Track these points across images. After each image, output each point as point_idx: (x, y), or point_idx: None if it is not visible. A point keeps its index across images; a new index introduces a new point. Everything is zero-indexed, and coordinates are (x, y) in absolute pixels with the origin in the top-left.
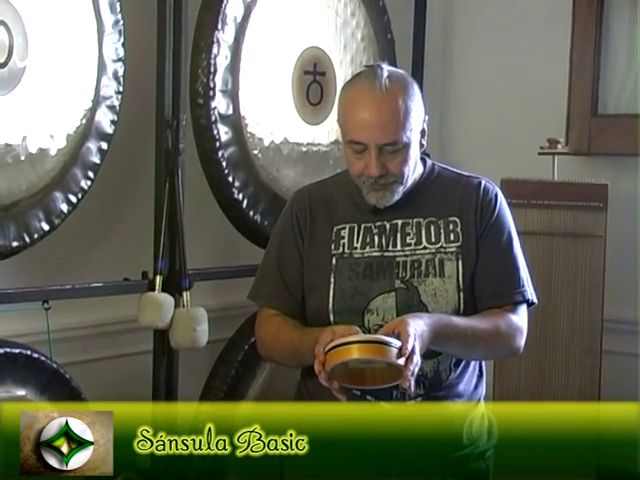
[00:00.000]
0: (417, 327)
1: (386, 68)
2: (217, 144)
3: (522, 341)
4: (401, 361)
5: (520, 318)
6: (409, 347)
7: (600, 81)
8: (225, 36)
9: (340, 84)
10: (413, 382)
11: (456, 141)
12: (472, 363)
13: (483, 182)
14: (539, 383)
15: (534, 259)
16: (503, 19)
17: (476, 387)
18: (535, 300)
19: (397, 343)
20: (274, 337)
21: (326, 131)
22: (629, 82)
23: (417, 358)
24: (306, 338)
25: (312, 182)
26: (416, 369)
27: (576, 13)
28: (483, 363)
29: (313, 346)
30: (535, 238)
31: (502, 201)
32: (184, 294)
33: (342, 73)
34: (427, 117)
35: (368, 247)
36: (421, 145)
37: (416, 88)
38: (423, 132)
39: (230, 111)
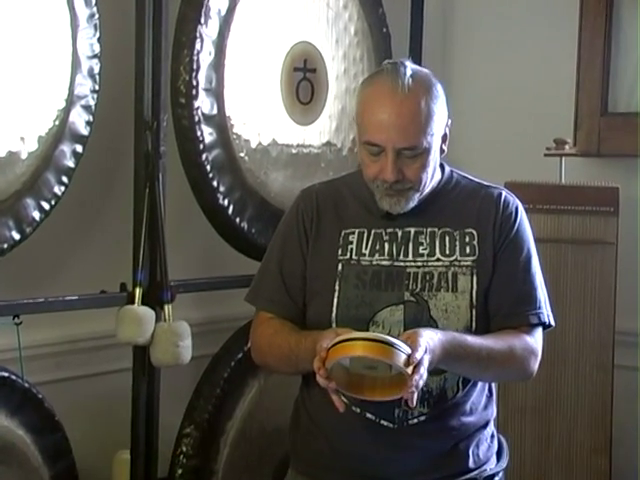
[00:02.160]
0: (430, 341)
1: (410, 66)
2: (201, 146)
3: (536, 365)
4: (408, 369)
5: (535, 341)
6: (418, 356)
7: (610, 77)
8: (209, 31)
9: (332, 81)
10: (416, 396)
11: (456, 142)
12: (480, 382)
13: (504, 194)
14: (547, 400)
15: (541, 268)
16: (507, 12)
17: (485, 407)
18: (552, 322)
19: (406, 349)
20: (270, 340)
21: (317, 132)
22: None
23: (424, 370)
24: (304, 341)
25: (321, 181)
26: (421, 382)
27: (584, 5)
28: (493, 383)
29: (311, 349)
30: (541, 245)
31: (523, 215)
32: (166, 307)
33: (334, 69)
34: (450, 121)
35: (377, 255)
36: (442, 151)
37: (440, 89)
38: (445, 137)
39: (214, 111)
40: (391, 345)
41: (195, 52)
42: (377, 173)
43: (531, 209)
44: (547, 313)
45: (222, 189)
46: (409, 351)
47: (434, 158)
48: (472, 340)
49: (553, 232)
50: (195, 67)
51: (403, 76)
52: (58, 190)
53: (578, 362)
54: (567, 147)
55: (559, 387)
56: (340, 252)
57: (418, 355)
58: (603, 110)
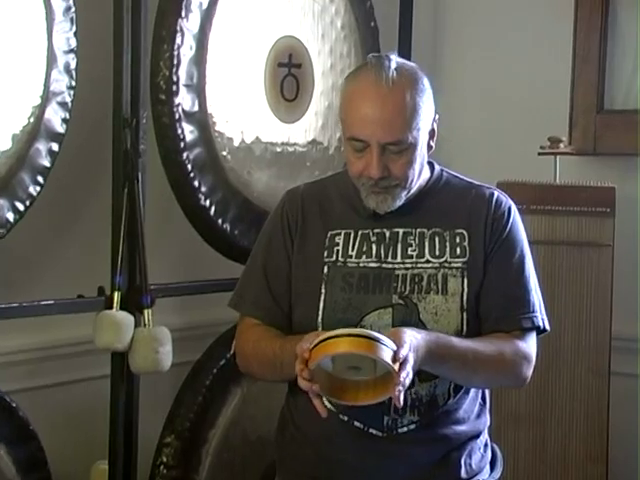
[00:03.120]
0: (413, 339)
1: (395, 59)
2: (181, 144)
3: (529, 371)
4: (395, 366)
5: (528, 345)
6: (404, 352)
7: (607, 73)
8: (189, 24)
9: (318, 77)
10: (402, 396)
11: (447, 140)
12: (472, 389)
13: (496, 193)
14: (541, 407)
15: (535, 271)
16: (500, 5)
17: (478, 415)
18: (547, 327)
19: (392, 345)
20: (254, 346)
21: (303, 130)
22: (639, 74)
23: (410, 368)
24: (288, 345)
25: (306, 182)
26: (407, 380)
27: None
28: (486, 391)
29: (295, 353)
30: (535, 248)
31: (515, 215)
32: (145, 312)
33: (320, 65)
34: (438, 116)
35: (364, 256)
36: (429, 147)
37: (426, 83)
38: (432, 132)
39: (196, 108)
40: (376, 340)
41: (175, 47)
42: (362, 170)
43: (525, 210)
44: (542, 317)
45: (204, 189)
46: (395, 347)
47: (421, 154)
48: (458, 342)
49: (547, 234)
50: (175, 62)
51: (387, 69)
52: (33, 190)
53: (574, 368)
54: (562, 145)
55: (554, 394)
56: (326, 254)
57: (404, 351)
58: (599, 107)
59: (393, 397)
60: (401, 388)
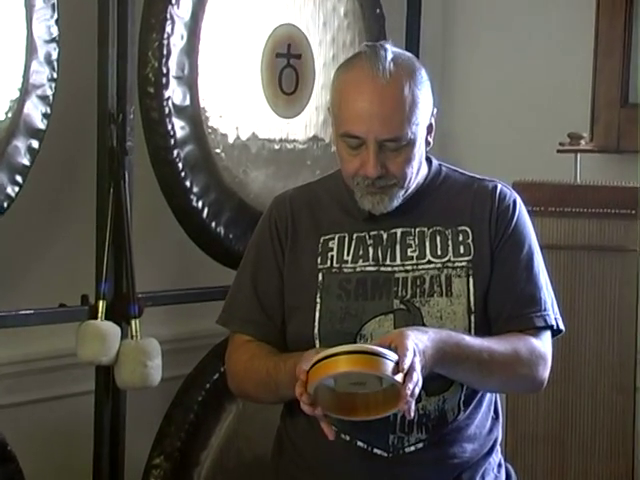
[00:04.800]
0: (418, 342)
1: (390, 49)
2: (171, 141)
3: (546, 372)
4: (398, 377)
5: (543, 344)
6: (406, 362)
7: (631, 64)
8: (180, 12)
9: (319, 69)
10: (413, 406)
11: (458, 137)
12: (485, 402)
13: (499, 186)
14: (560, 426)
15: (553, 278)
16: None
17: (490, 430)
18: (562, 327)
19: (393, 357)
20: (246, 366)
21: (303, 125)
22: None
23: (417, 376)
24: (283, 365)
25: (296, 186)
26: (416, 390)
27: None
28: (499, 402)
29: (292, 373)
30: (554, 253)
31: (521, 209)
32: (133, 322)
33: (321, 56)
34: (436, 110)
35: (361, 261)
36: (427, 143)
37: (424, 75)
38: (430, 127)
39: (187, 102)
40: (377, 355)
41: (165, 35)
42: (357, 168)
43: (542, 212)
44: (554, 316)
45: (196, 189)
46: (396, 357)
47: (419, 151)
48: (471, 340)
49: (567, 238)
50: (165, 52)
51: (384, 60)
52: (11, 191)
53: (595, 384)
54: (583, 142)
55: (574, 411)
56: (319, 261)
57: (407, 360)
58: (623, 101)
59: (404, 410)
60: (410, 399)
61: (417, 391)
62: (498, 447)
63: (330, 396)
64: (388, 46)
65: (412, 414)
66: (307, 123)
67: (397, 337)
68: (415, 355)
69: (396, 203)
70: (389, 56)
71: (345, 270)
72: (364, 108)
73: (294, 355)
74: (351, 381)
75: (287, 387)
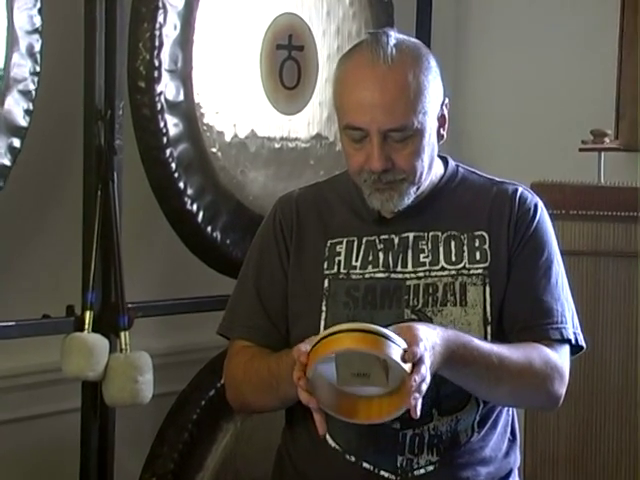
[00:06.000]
0: (428, 336)
1: (394, 35)
2: (164, 140)
3: (562, 388)
4: (406, 366)
5: (560, 358)
6: (417, 351)
7: None
8: (173, 0)
9: (322, 62)
10: (420, 403)
11: (472, 134)
12: (501, 423)
13: (520, 189)
14: (583, 449)
15: (575, 287)
16: None
17: (507, 453)
18: (582, 343)
19: (402, 343)
20: (246, 367)
21: (305, 122)
22: None
23: (426, 369)
24: (286, 359)
25: (302, 186)
26: (424, 386)
27: None
28: (516, 423)
29: (293, 364)
30: (576, 259)
31: (543, 214)
32: (122, 335)
33: (325, 47)
34: (448, 100)
35: (370, 266)
36: (440, 136)
37: (432, 62)
38: (443, 119)
39: (181, 97)
40: (383, 336)
41: (157, 26)
42: (362, 163)
43: (563, 215)
44: (573, 330)
45: (190, 191)
46: (405, 345)
47: (429, 143)
48: (480, 343)
49: (590, 243)
50: (157, 44)
51: (385, 45)
52: None
53: (621, 404)
54: (607, 140)
55: (598, 433)
56: (326, 265)
57: (418, 350)
58: None
59: (410, 407)
60: (417, 395)
61: (424, 387)
62: (516, 471)
63: (330, 392)
64: (392, 32)
65: (418, 413)
66: (310, 120)
67: (407, 328)
68: (425, 348)
69: (407, 201)
70: (391, 42)
71: (353, 276)
72: (365, 97)
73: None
74: (354, 371)
75: (290, 384)
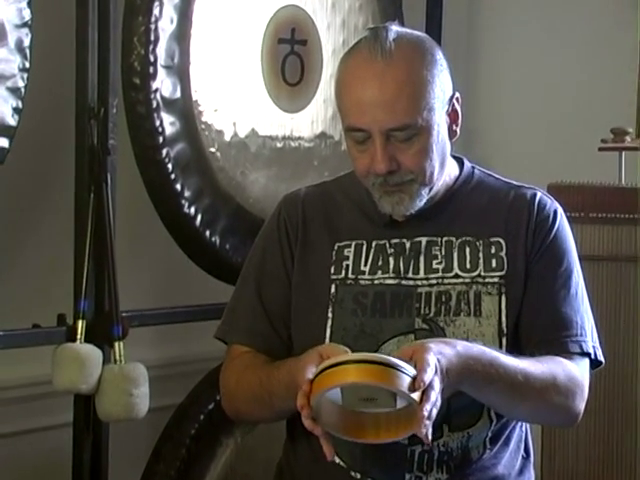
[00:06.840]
0: (442, 357)
1: (395, 29)
2: (160, 139)
3: (582, 404)
4: (415, 395)
5: (582, 373)
6: (425, 379)
7: None
8: None
9: (327, 56)
10: (430, 430)
11: (485, 134)
12: (514, 439)
13: (539, 194)
14: (604, 467)
15: (594, 293)
16: None
17: (521, 472)
18: (600, 358)
19: (411, 371)
20: (238, 378)
21: (309, 120)
22: None
23: (436, 395)
24: (277, 373)
25: (309, 184)
26: (434, 411)
27: None
28: (529, 440)
29: (286, 382)
30: (595, 265)
31: (563, 221)
32: (116, 345)
33: (330, 42)
34: (458, 94)
35: (380, 272)
36: (452, 133)
37: (438, 54)
38: (454, 114)
39: (177, 94)
40: (392, 367)
41: (152, 19)
42: (368, 166)
43: (582, 218)
44: (592, 344)
45: (187, 194)
46: (414, 372)
47: (439, 141)
48: (506, 359)
49: (611, 247)
50: (152, 38)
51: (384, 40)
52: None
53: None
54: (628, 139)
55: (619, 450)
56: (333, 270)
57: (426, 377)
58: None
59: (419, 434)
60: (427, 422)
61: (434, 413)
62: None
63: (336, 412)
64: (393, 27)
65: (429, 439)
66: (314, 118)
67: (419, 349)
68: (436, 372)
69: (419, 203)
70: (391, 36)
71: (361, 282)
72: (364, 96)
73: (289, 361)
74: (361, 396)
75: (282, 398)
